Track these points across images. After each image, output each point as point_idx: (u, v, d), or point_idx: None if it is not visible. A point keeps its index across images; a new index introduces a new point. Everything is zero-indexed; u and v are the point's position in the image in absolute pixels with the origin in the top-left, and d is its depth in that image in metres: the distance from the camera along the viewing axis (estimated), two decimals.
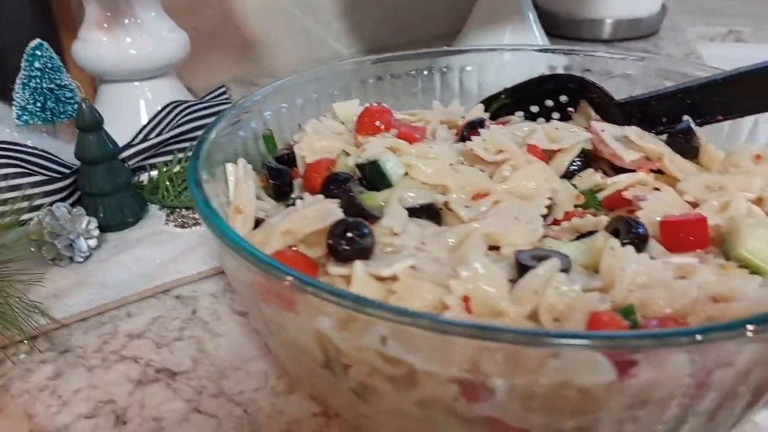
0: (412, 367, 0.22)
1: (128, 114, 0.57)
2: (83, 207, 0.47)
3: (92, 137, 0.47)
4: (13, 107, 0.50)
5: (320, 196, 0.31)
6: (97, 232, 0.46)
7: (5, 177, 0.46)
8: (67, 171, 0.49)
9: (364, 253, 0.27)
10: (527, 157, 0.34)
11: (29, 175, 0.47)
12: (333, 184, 0.33)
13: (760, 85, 0.34)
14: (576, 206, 0.34)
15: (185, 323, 0.40)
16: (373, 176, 0.33)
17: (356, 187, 0.31)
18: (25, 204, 0.45)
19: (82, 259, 0.45)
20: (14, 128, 0.51)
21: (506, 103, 0.44)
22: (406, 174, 0.34)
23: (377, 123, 0.38)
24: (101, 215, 0.48)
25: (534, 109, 0.44)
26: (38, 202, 0.46)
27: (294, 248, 0.29)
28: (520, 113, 0.44)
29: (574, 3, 0.92)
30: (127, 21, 0.55)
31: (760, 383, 0.22)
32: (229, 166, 0.33)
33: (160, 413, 0.34)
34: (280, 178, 0.36)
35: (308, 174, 0.36)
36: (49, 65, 0.50)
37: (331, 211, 0.29)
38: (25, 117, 0.50)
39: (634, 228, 0.28)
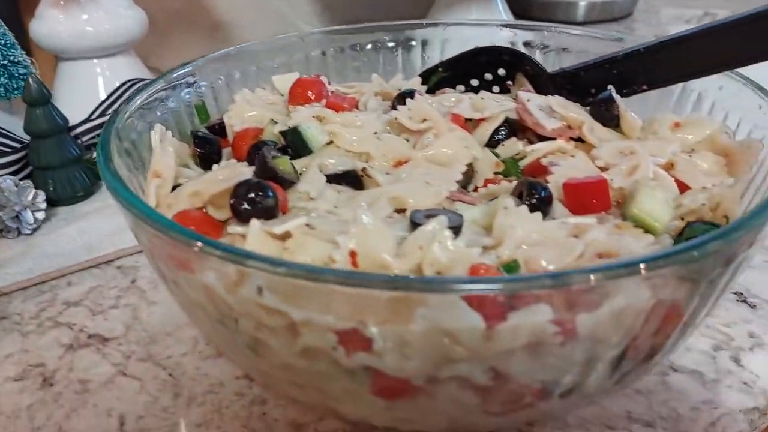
0: (289, 317, 0.23)
1: (86, 91, 0.57)
2: (33, 181, 0.48)
3: (40, 111, 0.47)
4: None
5: (233, 161, 0.32)
6: (44, 205, 0.47)
7: None
8: (19, 142, 0.49)
9: (266, 213, 0.27)
10: (449, 125, 0.35)
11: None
12: (256, 152, 0.34)
13: (679, 53, 0.35)
14: (497, 174, 0.34)
15: (123, 292, 0.41)
16: (295, 143, 0.34)
17: (271, 152, 0.32)
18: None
19: (29, 231, 0.46)
20: None
21: (445, 77, 0.44)
22: (332, 143, 0.34)
23: (309, 93, 0.38)
24: (51, 189, 0.48)
25: (474, 82, 0.44)
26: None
27: (203, 210, 0.29)
28: (461, 87, 0.44)
29: None
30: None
31: (630, 331, 0.23)
32: (151, 133, 0.33)
33: (87, 376, 0.35)
34: (207, 146, 0.36)
35: (236, 142, 0.36)
36: (2, 42, 0.51)
37: (241, 173, 0.30)
38: None
39: (536, 190, 0.29)
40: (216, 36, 0.81)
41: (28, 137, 0.49)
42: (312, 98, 0.38)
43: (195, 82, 0.39)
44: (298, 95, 0.38)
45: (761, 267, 0.41)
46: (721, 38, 0.34)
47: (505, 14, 0.76)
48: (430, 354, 0.22)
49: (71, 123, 0.50)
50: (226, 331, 0.26)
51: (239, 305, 0.23)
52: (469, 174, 0.34)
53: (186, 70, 0.38)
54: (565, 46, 0.44)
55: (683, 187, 0.31)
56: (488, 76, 0.44)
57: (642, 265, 0.20)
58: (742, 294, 0.39)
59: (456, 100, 0.38)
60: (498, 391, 0.24)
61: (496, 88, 0.44)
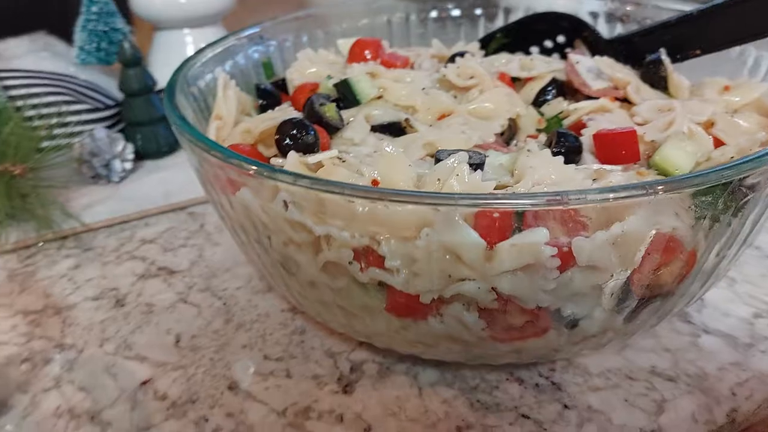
0: (312, 232, 0.25)
1: (177, 58, 0.62)
2: (125, 135, 0.53)
3: (132, 72, 0.52)
4: (74, 47, 0.57)
5: (286, 106, 0.34)
6: (132, 156, 0.51)
7: (58, 104, 0.52)
8: (113, 100, 0.55)
9: (306, 148, 0.30)
10: (495, 82, 0.36)
11: (79, 103, 0.53)
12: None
13: (732, 17, 0.34)
14: (539, 131, 0.35)
15: (191, 234, 0.45)
16: (345, 94, 0.36)
17: (320, 99, 0.34)
18: (75, 129, 0.51)
19: (117, 179, 0.51)
20: (75, 65, 0.57)
21: (505, 43, 0.45)
22: (381, 97, 0.37)
23: (366, 53, 0.41)
24: (139, 143, 0.53)
25: (534, 50, 0.45)
26: (87, 128, 0.53)
27: (254, 146, 0.32)
28: (521, 54, 0.45)
29: None
30: None
31: (629, 262, 0.23)
32: (218, 80, 0.37)
33: (152, 301, 0.39)
34: (269, 98, 0.39)
35: (295, 95, 0.39)
36: (105, 10, 0.56)
37: (289, 114, 0.32)
38: (82, 56, 0.56)
39: (565, 138, 0.30)
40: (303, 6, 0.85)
41: (121, 96, 0.54)
42: (368, 57, 0.40)
43: (263, 41, 0.43)
44: (356, 54, 0.41)
45: None
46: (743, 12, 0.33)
47: None
48: (436, 271, 0.24)
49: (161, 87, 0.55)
50: (262, 251, 0.29)
51: (271, 221, 0.26)
52: (513, 129, 0.35)
53: (255, 30, 0.42)
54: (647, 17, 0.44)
55: (721, 144, 0.31)
56: (548, 44, 0.44)
57: (635, 191, 0.21)
58: None
59: (506, 60, 0.39)
60: (502, 315, 0.25)
61: (555, 56, 0.44)
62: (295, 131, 0.30)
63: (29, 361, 0.34)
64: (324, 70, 0.40)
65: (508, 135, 0.35)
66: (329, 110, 0.33)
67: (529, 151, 0.28)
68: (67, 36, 0.59)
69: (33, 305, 0.39)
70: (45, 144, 0.47)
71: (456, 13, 0.49)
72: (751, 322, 0.34)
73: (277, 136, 0.30)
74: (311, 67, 0.40)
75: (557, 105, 0.36)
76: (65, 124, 0.50)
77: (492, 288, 0.24)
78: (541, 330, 0.26)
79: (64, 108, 0.51)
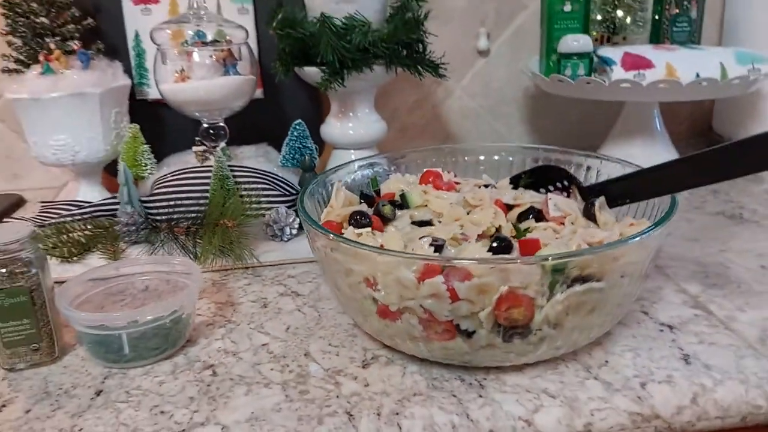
0: (344, 264, 0.50)
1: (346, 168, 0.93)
2: (296, 212, 0.83)
3: (308, 174, 0.83)
4: (280, 155, 0.89)
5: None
6: (297, 226, 0.81)
7: (263, 189, 0.83)
8: (294, 190, 0.85)
9: (362, 227, 0.56)
10: (491, 204, 0.59)
11: (273, 190, 0.84)
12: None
13: (648, 180, 0.55)
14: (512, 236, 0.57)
15: (317, 276, 0.72)
16: (402, 200, 0.62)
17: (384, 202, 0.60)
18: (266, 205, 0.82)
19: (286, 239, 0.80)
20: (278, 167, 0.90)
21: (530, 182, 0.67)
22: (425, 205, 0.61)
23: (430, 178, 0.66)
24: None
25: (551, 188, 0.67)
26: (275, 206, 0.83)
27: (340, 223, 0.59)
28: (543, 190, 0.67)
29: (747, 130, 1.04)
30: (350, 114, 0.91)
31: (488, 303, 0.45)
32: (335, 184, 0.64)
33: (282, 307, 0.65)
34: (367, 199, 0.65)
35: (381, 198, 0.65)
36: (301, 134, 0.88)
37: (361, 208, 0.58)
38: (283, 162, 0.88)
39: (499, 239, 0.52)
40: (446, 144, 1.13)
41: (299, 188, 0.85)
42: (429, 180, 0.66)
43: (374, 166, 0.70)
44: (424, 178, 0.66)
45: None
46: (670, 171, 0.53)
47: (666, 146, 0.93)
48: (395, 293, 0.48)
49: None
50: (332, 275, 0.54)
51: (329, 262, 0.52)
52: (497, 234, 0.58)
53: (371, 160, 0.69)
54: None
55: None
56: (558, 185, 0.66)
57: (479, 261, 0.43)
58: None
59: (506, 192, 0.62)
60: (428, 322, 0.48)
61: (564, 194, 0.66)
62: (357, 217, 0.56)
63: (212, 325, 0.63)
64: (400, 186, 0.66)
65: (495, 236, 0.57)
66: (386, 209, 0.59)
67: (467, 242, 0.51)
68: (278, 147, 0.92)
69: (220, 300, 0.68)
70: (248, 212, 0.78)
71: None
72: (632, 387, 0.51)
73: (349, 219, 0.56)
74: (396, 184, 0.67)
75: (529, 223, 0.58)
76: (263, 202, 0.81)
77: (420, 305, 0.47)
78: (451, 336, 0.48)
79: (264, 192, 0.83)
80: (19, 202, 1.02)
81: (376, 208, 0.59)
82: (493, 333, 0.47)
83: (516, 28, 1.09)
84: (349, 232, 0.55)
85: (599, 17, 0.97)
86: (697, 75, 0.82)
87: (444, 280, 0.45)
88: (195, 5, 0.85)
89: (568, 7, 0.89)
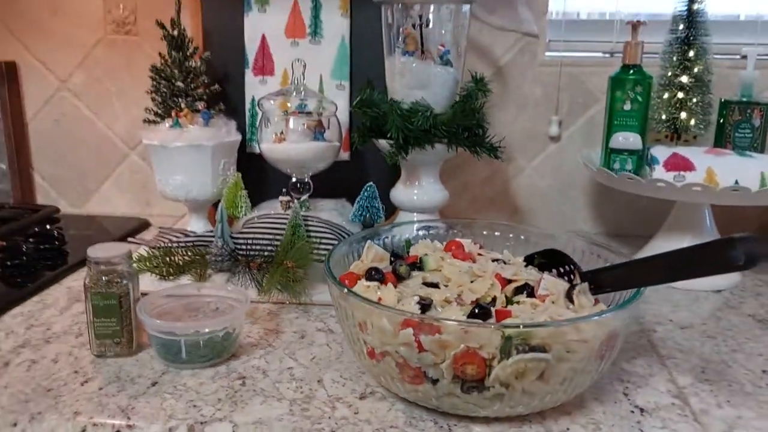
0: (348, 311, 0.62)
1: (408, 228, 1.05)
2: None
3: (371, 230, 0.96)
4: (351, 212, 1.03)
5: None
6: None
7: (327, 238, 0.97)
8: None
9: (376, 281, 0.67)
10: (491, 277, 0.68)
11: (337, 240, 0.97)
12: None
13: (623, 273, 0.62)
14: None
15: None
16: (421, 264, 0.72)
17: (401, 262, 0.71)
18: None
19: None
20: (347, 222, 1.03)
21: (542, 262, 0.76)
22: (440, 269, 0.72)
23: (453, 247, 0.76)
24: None
25: (561, 269, 0.74)
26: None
27: (359, 275, 0.70)
28: (554, 270, 0.75)
29: None
30: (416, 182, 1.04)
31: (447, 357, 0.54)
32: (367, 243, 0.76)
33: (314, 339, 0.78)
34: (396, 257, 0.77)
35: (408, 260, 0.76)
36: (371, 195, 1.01)
37: (380, 265, 0.70)
38: (352, 218, 1.02)
39: (481, 307, 0.61)
40: (514, 218, 1.21)
41: None
42: (452, 248, 0.76)
43: (414, 233, 0.81)
44: (447, 246, 0.77)
45: None
46: (639, 269, 0.60)
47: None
48: (378, 336, 0.58)
49: None
50: (339, 317, 0.66)
51: (338, 305, 0.64)
52: (492, 301, 0.67)
53: (408, 228, 0.81)
54: None
55: None
56: (565, 268, 0.74)
57: (451, 324, 0.53)
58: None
59: (507, 269, 0.70)
60: (403, 367, 0.58)
61: (571, 275, 0.73)
62: (373, 272, 0.67)
63: (255, 346, 0.76)
64: (425, 251, 0.76)
65: (491, 302, 0.66)
66: (402, 269, 0.70)
67: (457, 306, 0.61)
68: (353, 204, 1.06)
69: (269, 327, 0.81)
70: (309, 256, 0.92)
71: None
72: None
73: (365, 274, 0.68)
74: (422, 249, 0.77)
75: (521, 297, 0.66)
76: (325, 249, 0.94)
77: (396, 351, 0.57)
78: (420, 381, 0.58)
79: (328, 240, 0.96)
80: (144, 225, 1.23)
81: (393, 267, 0.71)
82: (454, 383, 0.57)
83: (588, 119, 1.17)
84: (360, 284, 0.66)
85: (664, 116, 1.03)
86: (736, 182, 0.86)
87: (414, 333, 0.56)
88: (296, 81, 1.02)
89: (627, 106, 0.96)
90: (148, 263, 0.95)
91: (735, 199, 0.86)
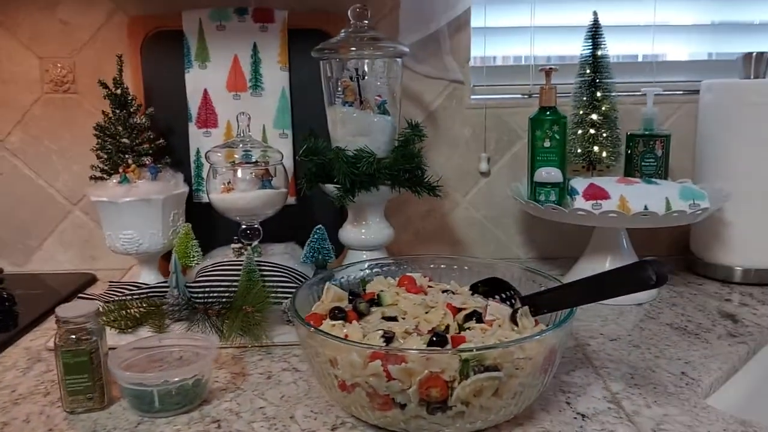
0: (316, 349, 0.67)
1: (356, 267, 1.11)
2: None
3: (320, 271, 1.02)
4: (302, 254, 1.08)
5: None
6: None
7: (282, 283, 1.02)
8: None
9: (339, 319, 0.73)
10: (443, 307, 0.75)
11: (291, 283, 1.02)
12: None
13: (558, 296, 0.70)
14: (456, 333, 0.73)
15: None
16: (379, 299, 0.79)
17: (360, 300, 0.77)
18: (283, 295, 1.01)
19: None
20: (299, 263, 1.08)
21: (485, 289, 0.83)
22: (396, 303, 0.78)
23: (405, 282, 0.83)
24: None
25: (503, 294, 0.82)
26: (291, 295, 1.02)
27: (323, 315, 0.76)
28: (497, 297, 0.83)
29: (714, 253, 1.17)
30: (363, 222, 1.10)
31: (413, 383, 0.61)
32: (327, 284, 0.82)
33: (281, 378, 0.82)
34: (354, 296, 0.83)
35: (365, 296, 0.82)
36: (321, 238, 1.07)
37: (341, 304, 0.76)
38: (303, 260, 1.07)
39: (438, 335, 0.68)
40: (454, 248, 1.30)
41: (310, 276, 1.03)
42: (404, 283, 0.83)
43: (366, 270, 0.88)
44: (401, 282, 0.84)
45: None
46: (569, 292, 0.69)
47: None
48: (348, 370, 0.64)
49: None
50: (307, 356, 0.71)
51: (307, 345, 0.69)
52: (446, 329, 0.74)
53: (361, 267, 0.87)
54: None
55: None
56: (507, 293, 0.82)
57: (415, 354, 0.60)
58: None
59: (455, 298, 0.78)
60: (373, 395, 0.64)
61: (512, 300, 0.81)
62: (336, 311, 0.73)
63: (224, 390, 0.80)
64: (381, 287, 0.83)
65: (444, 330, 0.73)
66: (361, 306, 0.76)
67: (417, 336, 0.67)
68: (303, 246, 1.11)
69: (235, 370, 0.85)
70: (267, 300, 0.96)
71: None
72: None
73: (329, 312, 0.74)
74: (378, 285, 0.84)
75: (471, 323, 0.74)
76: (280, 292, 0.99)
77: (366, 382, 0.63)
78: (389, 407, 0.64)
79: (283, 284, 1.01)
80: (92, 280, 1.24)
81: (354, 305, 0.77)
82: (420, 406, 0.63)
83: (513, 154, 1.27)
84: (326, 323, 0.72)
85: (579, 150, 1.14)
86: (646, 207, 0.97)
87: (382, 364, 0.62)
88: (242, 133, 1.07)
89: (547, 143, 1.07)
90: (105, 317, 0.96)
91: (645, 223, 0.97)
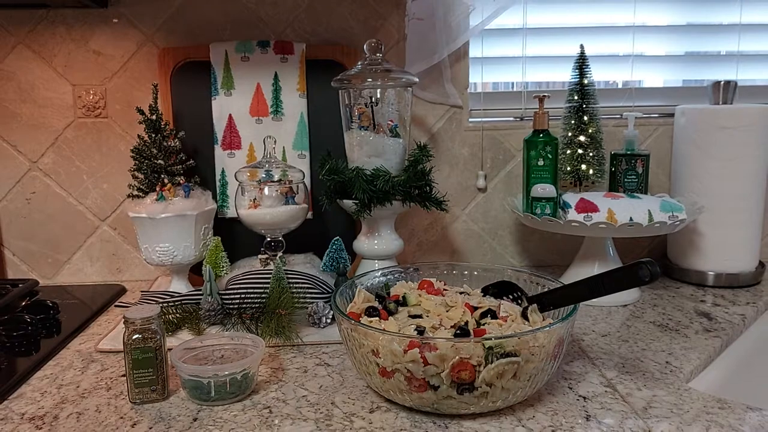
0: (359, 341, 0.78)
1: (372, 275, 1.22)
2: (330, 306, 1.11)
3: (341, 278, 1.13)
4: (322, 263, 1.19)
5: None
6: (331, 316, 1.10)
7: (307, 289, 1.13)
8: (330, 290, 1.15)
9: (373, 316, 0.84)
10: (462, 306, 0.87)
11: (317, 289, 1.13)
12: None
13: (563, 293, 0.82)
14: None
15: (339, 349, 1.00)
16: (404, 300, 0.90)
17: (389, 301, 0.88)
18: (309, 300, 1.12)
19: (323, 326, 1.09)
20: (320, 272, 1.19)
21: (495, 291, 0.95)
22: (419, 304, 0.90)
23: (425, 285, 0.95)
24: None
25: (510, 296, 0.94)
26: (315, 300, 1.12)
27: (359, 313, 0.87)
28: (506, 297, 0.95)
29: (689, 260, 1.30)
30: (376, 233, 1.22)
31: (447, 367, 0.72)
32: (358, 288, 0.93)
33: (308, 368, 0.93)
34: (380, 298, 0.94)
35: (390, 298, 0.94)
36: (338, 248, 1.19)
37: (373, 304, 0.87)
38: (323, 268, 1.18)
39: (462, 328, 0.80)
40: (454, 257, 1.42)
41: (333, 288, 1.14)
42: (424, 287, 0.94)
43: (388, 274, 0.99)
44: (421, 285, 0.95)
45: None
46: (573, 290, 0.81)
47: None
48: (389, 357, 0.75)
49: None
50: (351, 348, 0.82)
51: (350, 338, 0.80)
52: (465, 324, 0.85)
53: (386, 270, 0.99)
54: None
55: None
56: (516, 294, 0.94)
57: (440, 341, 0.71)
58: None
59: (472, 298, 0.90)
60: (411, 379, 0.75)
61: (519, 300, 0.93)
62: (371, 310, 0.85)
63: (268, 382, 0.91)
64: (405, 290, 0.94)
65: (464, 325, 0.85)
66: (391, 306, 0.88)
67: (443, 329, 0.79)
68: (322, 256, 1.22)
69: (274, 366, 0.96)
70: (297, 304, 1.07)
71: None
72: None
73: (365, 311, 0.85)
74: (401, 288, 0.95)
75: (487, 319, 0.86)
76: (307, 298, 1.10)
77: (405, 367, 0.75)
78: (425, 389, 0.75)
79: (308, 290, 1.12)
80: (121, 291, 1.34)
81: (384, 305, 0.88)
82: (451, 387, 0.74)
83: (507, 172, 1.40)
84: (364, 319, 0.83)
85: (569, 168, 1.28)
86: (631, 219, 1.11)
87: (419, 351, 0.73)
88: (268, 155, 1.18)
89: (541, 162, 1.20)
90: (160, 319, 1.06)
91: (631, 233, 1.11)
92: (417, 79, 1.18)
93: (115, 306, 1.21)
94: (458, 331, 0.79)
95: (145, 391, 0.85)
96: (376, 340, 0.76)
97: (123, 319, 0.85)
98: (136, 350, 0.84)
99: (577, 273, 1.20)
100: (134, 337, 0.84)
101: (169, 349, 0.89)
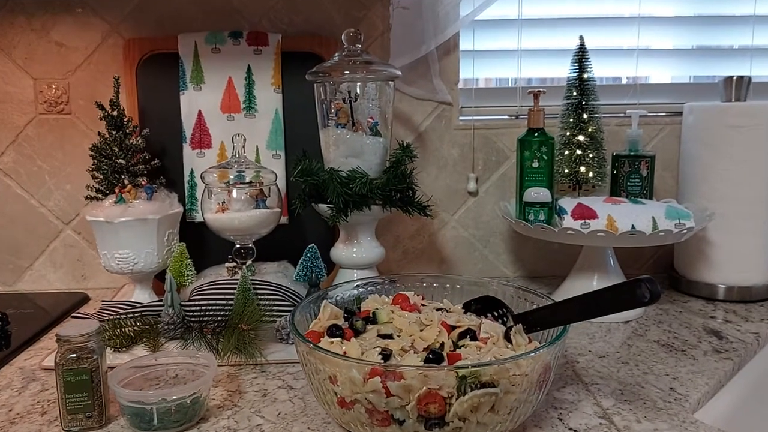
0: (316, 366, 0.68)
1: (348, 285, 1.12)
2: None
3: (313, 289, 1.03)
4: (295, 272, 1.10)
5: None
6: None
7: (276, 301, 1.03)
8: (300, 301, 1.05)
9: (336, 337, 0.74)
10: (438, 325, 0.77)
11: (285, 301, 1.04)
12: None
13: (549, 314, 0.72)
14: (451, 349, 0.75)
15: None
16: (374, 317, 0.80)
17: (357, 318, 0.78)
18: (278, 313, 1.02)
19: (292, 342, 0.99)
20: (292, 282, 1.10)
21: (478, 308, 0.85)
22: (391, 321, 0.80)
23: (400, 300, 0.85)
24: None
25: (495, 313, 0.84)
26: (285, 313, 1.03)
27: (321, 332, 0.77)
28: (490, 315, 0.85)
29: (698, 271, 1.20)
30: (354, 241, 1.12)
31: (412, 399, 0.62)
32: (324, 302, 0.83)
33: (268, 390, 0.83)
34: (349, 313, 0.84)
35: (360, 314, 0.84)
36: (313, 257, 1.09)
37: (337, 322, 0.77)
38: (296, 278, 1.09)
39: (434, 353, 0.69)
40: (442, 266, 1.32)
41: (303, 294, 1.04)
42: (399, 301, 0.84)
43: (360, 288, 0.89)
44: (395, 299, 0.85)
45: None
46: (563, 309, 0.71)
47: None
48: (348, 386, 0.65)
49: None
50: (307, 373, 0.72)
51: (306, 362, 0.70)
52: (441, 346, 0.75)
53: (353, 285, 0.89)
54: None
55: None
56: (499, 311, 0.84)
57: (411, 369, 0.61)
58: None
59: (450, 316, 0.80)
60: (372, 412, 0.65)
61: (489, 318, 0.83)
62: (333, 329, 0.75)
63: (221, 408, 0.81)
64: (376, 305, 0.84)
65: (440, 348, 0.75)
66: (358, 323, 0.78)
67: (414, 353, 0.69)
68: (297, 265, 1.13)
69: (231, 388, 0.86)
70: (262, 318, 0.97)
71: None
72: None
73: (327, 330, 0.75)
74: (373, 303, 0.85)
75: (465, 341, 0.75)
76: (274, 310, 1.00)
77: (365, 398, 0.65)
78: (388, 423, 0.65)
79: (277, 302, 1.03)
80: (84, 299, 1.24)
81: (350, 323, 0.78)
82: (418, 422, 0.64)
83: (501, 174, 1.30)
84: (324, 341, 0.73)
85: (566, 171, 1.17)
86: (633, 227, 1.00)
87: (381, 380, 0.63)
88: (237, 154, 1.09)
89: (536, 164, 1.10)
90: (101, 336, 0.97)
91: (633, 242, 1.00)
92: (399, 73, 1.08)
93: (72, 317, 1.12)
94: (430, 355, 0.69)
95: (79, 417, 0.75)
96: (334, 366, 0.66)
97: (56, 338, 0.76)
98: (68, 372, 0.74)
99: (574, 285, 1.09)
100: (68, 357, 0.75)
101: (112, 368, 0.80)
